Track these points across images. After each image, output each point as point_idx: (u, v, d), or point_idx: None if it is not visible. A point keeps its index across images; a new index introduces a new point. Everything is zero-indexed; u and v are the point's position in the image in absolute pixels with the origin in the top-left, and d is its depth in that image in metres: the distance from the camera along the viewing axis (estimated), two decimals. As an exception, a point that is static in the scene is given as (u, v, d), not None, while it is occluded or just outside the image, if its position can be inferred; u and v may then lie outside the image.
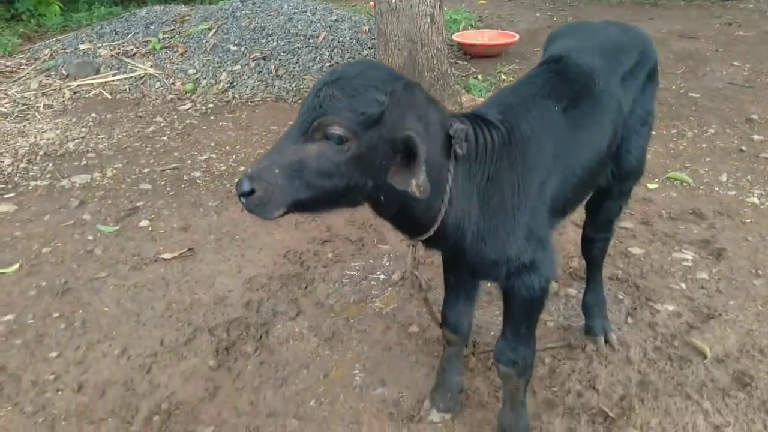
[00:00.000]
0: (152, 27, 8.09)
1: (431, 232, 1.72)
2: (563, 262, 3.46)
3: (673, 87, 6.45)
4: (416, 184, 1.46)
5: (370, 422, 2.40)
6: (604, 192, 2.45)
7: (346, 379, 2.62)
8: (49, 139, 5.33)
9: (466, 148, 1.64)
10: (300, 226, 3.85)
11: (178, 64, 7.20)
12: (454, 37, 8.03)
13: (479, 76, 7.01)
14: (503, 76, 7.06)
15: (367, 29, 7.69)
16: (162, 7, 8.81)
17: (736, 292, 3.13)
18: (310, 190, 1.51)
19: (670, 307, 3.04)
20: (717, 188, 4.22)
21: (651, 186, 4.29)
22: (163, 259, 3.50)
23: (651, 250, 3.55)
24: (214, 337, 2.89)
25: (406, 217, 1.71)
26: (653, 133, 4.59)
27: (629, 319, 2.98)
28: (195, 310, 3.07)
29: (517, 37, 7.94)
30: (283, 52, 7.13)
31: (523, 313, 2.00)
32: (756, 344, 2.76)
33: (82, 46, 7.79)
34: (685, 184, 4.31)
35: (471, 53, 7.95)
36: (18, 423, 2.40)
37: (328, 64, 7.01)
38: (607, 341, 2.79)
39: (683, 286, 3.20)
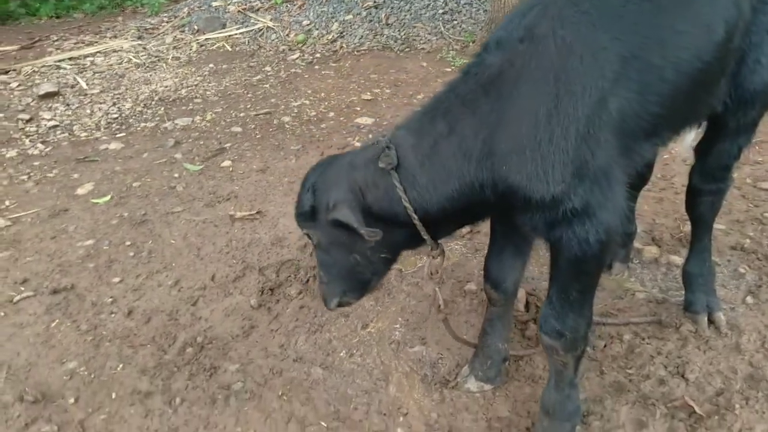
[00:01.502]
0: (278, -18, 8.23)
1: (423, 233, 1.63)
2: (673, 225, 2.84)
3: None
4: (367, 236, 1.55)
5: (399, 381, 2.15)
6: (718, 123, 1.85)
7: (385, 332, 2.38)
8: (167, 87, 5.65)
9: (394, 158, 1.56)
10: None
11: (295, 16, 7.26)
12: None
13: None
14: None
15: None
16: (289, -37, 8.93)
17: None
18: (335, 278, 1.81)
19: (813, 289, 2.34)
20: None
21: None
22: (235, 197, 3.50)
23: (798, 217, 2.78)
24: (264, 276, 2.80)
25: (398, 244, 1.73)
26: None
27: (749, 299, 2.35)
28: (252, 249, 3.01)
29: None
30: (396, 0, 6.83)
31: (573, 272, 1.54)
32: None
33: (214, 3, 8.17)
34: None
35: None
36: (71, 338, 2.51)
37: (441, 11, 6.59)
38: (711, 321, 2.22)
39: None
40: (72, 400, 2.19)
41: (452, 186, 1.53)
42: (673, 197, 3.03)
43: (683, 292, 2.31)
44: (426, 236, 1.63)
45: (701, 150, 2.00)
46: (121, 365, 2.35)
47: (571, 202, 1.41)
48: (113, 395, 2.21)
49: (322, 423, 2.01)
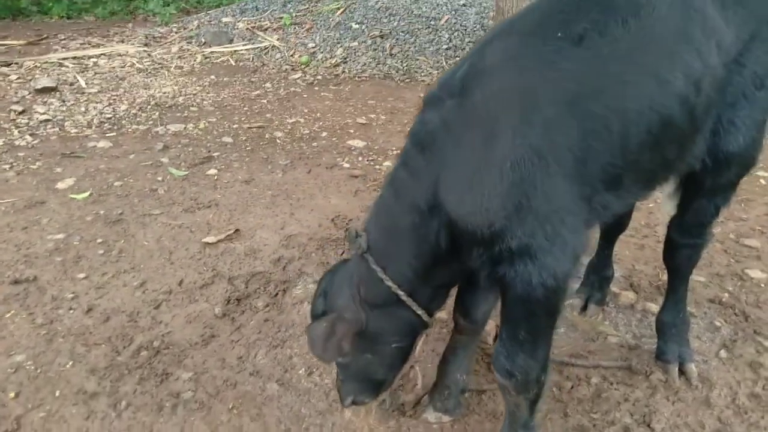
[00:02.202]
0: (289, 5, 8.38)
1: (410, 304, 1.64)
2: (652, 273, 2.80)
3: None
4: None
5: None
6: (695, 182, 1.81)
7: (348, 353, 2.30)
8: (165, 93, 5.65)
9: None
10: (359, 194, 3.59)
11: (301, 38, 7.35)
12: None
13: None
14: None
15: (493, 14, 7.22)
16: (302, -12, 9.12)
17: None
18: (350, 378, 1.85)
19: (788, 349, 2.29)
20: None
21: (800, 201, 3.38)
22: (216, 205, 3.45)
23: (778, 276, 2.75)
24: (232, 286, 2.73)
25: (404, 328, 1.72)
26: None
27: (723, 353, 2.29)
28: (224, 257, 2.95)
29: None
30: (402, 32, 6.94)
31: (520, 313, 1.51)
32: None
33: (224, 19, 8.29)
34: None
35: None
36: (24, 331, 2.42)
37: (445, 47, 6.69)
38: (682, 372, 2.15)
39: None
40: (12, 395, 2.09)
41: (418, 247, 1.55)
42: (654, 245, 3.00)
43: (656, 340, 2.25)
44: (413, 305, 1.63)
45: (680, 205, 1.96)
46: (70, 363, 2.26)
47: (510, 242, 1.39)
48: (57, 393, 2.11)
49: (270, 441, 1.92)
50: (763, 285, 2.71)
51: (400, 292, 1.60)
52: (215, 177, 3.83)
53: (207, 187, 3.70)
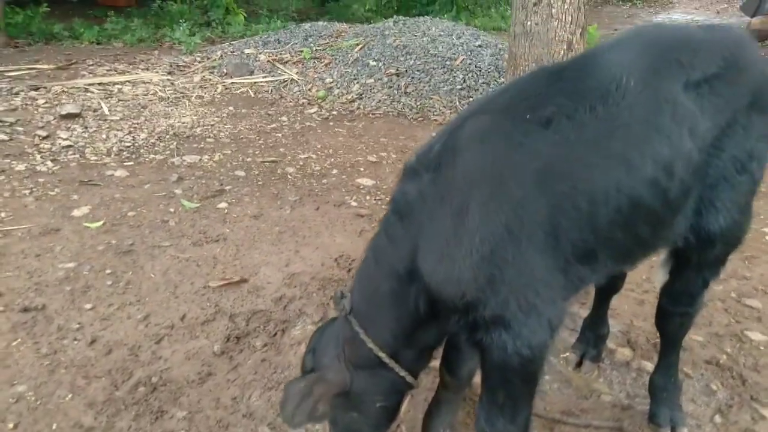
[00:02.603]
0: (310, 39, 8.60)
1: (392, 365, 1.67)
2: (651, 330, 2.80)
3: None
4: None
5: (344, 454, 2.08)
6: (682, 257, 1.86)
7: (340, 399, 2.32)
8: (184, 123, 5.81)
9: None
10: (364, 234, 3.65)
11: (320, 72, 7.53)
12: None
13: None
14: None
15: (507, 57, 7.35)
16: (324, 23, 9.39)
17: None
18: None
19: (785, 418, 2.26)
20: None
21: (806, 262, 3.37)
22: (224, 239, 3.53)
23: (779, 339, 2.73)
24: (233, 323, 2.78)
25: (387, 389, 1.73)
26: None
27: (717, 418, 2.27)
28: (227, 294, 3.01)
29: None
30: (417, 70, 7.08)
31: (498, 378, 1.55)
32: None
33: (246, 51, 8.53)
34: None
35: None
36: (28, 360, 2.49)
37: (459, 87, 6.80)
38: (674, 437, 2.14)
39: (814, 390, 2.39)
40: (11, 425, 2.15)
41: (398, 311, 1.60)
42: (654, 300, 2.96)
43: (650, 401, 2.25)
44: (396, 367, 1.67)
45: (671, 274, 1.98)
46: (70, 395, 2.31)
47: (484, 311, 1.44)
48: (54, 426, 2.17)
49: (257, 487, 1.94)
50: (762, 348, 2.69)
51: (382, 354, 1.64)
52: (225, 211, 3.92)
53: (217, 221, 3.79)
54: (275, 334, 2.73)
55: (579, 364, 2.53)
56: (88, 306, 2.87)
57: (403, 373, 1.67)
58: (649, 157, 1.47)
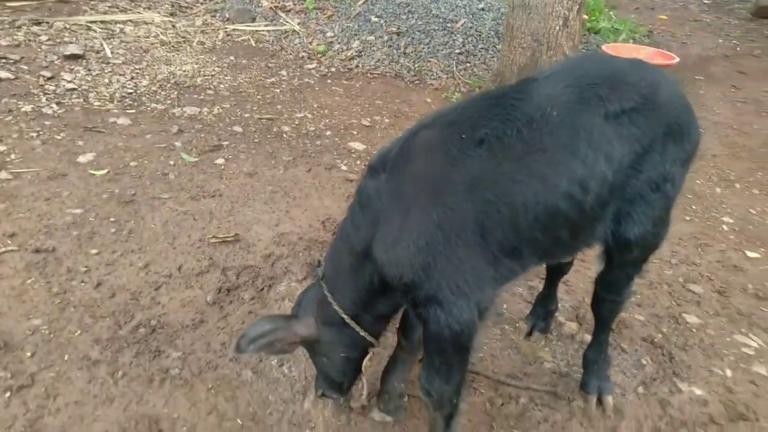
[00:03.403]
0: (314, -13, 8.54)
1: (354, 326, 2.03)
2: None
3: None
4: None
5: (315, 398, 2.42)
6: (607, 255, 2.14)
7: (316, 351, 2.66)
8: (185, 71, 5.94)
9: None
10: (351, 199, 3.89)
11: (321, 25, 7.57)
12: (603, 47, 7.39)
13: (615, 94, 6.43)
14: (643, 99, 6.40)
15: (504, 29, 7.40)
16: (329, -29, 9.27)
17: (792, 401, 2.61)
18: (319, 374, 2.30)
19: (698, 392, 2.62)
20: (837, 278, 3.50)
21: (750, 254, 3.67)
22: (220, 195, 3.79)
23: (710, 323, 3.06)
24: (224, 276, 3.08)
25: (351, 343, 2.09)
26: None
27: (641, 389, 2.63)
28: (221, 248, 3.30)
29: (676, 60, 7.09)
30: (418, 31, 7.14)
31: (434, 347, 1.86)
32: (783, 466, 2.30)
33: (250, -5, 8.49)
34: (796, 262, 3.63)
35: (619, 68, 7.29)
36: (42, 297, 2.79)
37: (457, 51, 6.89)
38: (600, 403, 2.50)
39: (728, 373, 2.74)
40: (29, 354, 2.47)
41: (357, 282, 1.94)
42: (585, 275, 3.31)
43: (584, 371, 2.59)
44: (356, 327, 2.02)
45: (603, 267, 2.25)
46: (79, 331, 2.63)
47: (421, 292, 1.77)
48: (66, 357, 2.49)
49: (239, 420, 2.29)
50: (694, 330, 3.03)
51: (345, 316, 1.99)
52: (222, 167, 4.16)
53: (213, 176, 4.03)
54: (262, 288, 3.03)
55: (529, 334, 2.86)
56: (94, 251, 3.15)
57: (362, 333, 2.03)
58: (564, 175, 1.73)
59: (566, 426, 2.41)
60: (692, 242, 3.81)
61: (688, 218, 4.07)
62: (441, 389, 1.91)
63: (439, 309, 1.75)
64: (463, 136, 1.74)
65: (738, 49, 8.73)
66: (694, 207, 4.22)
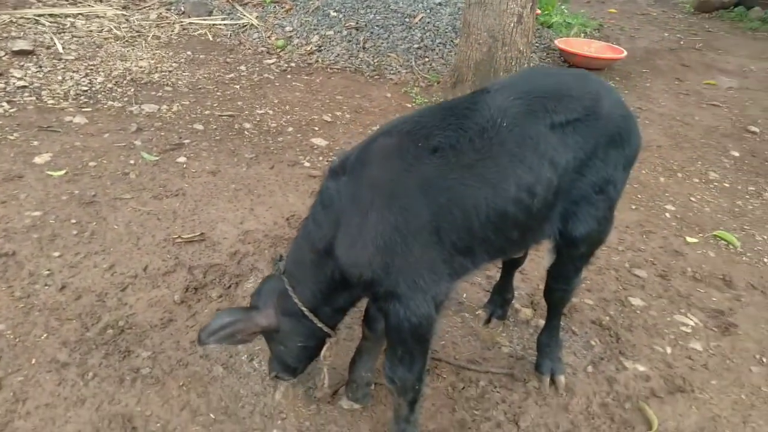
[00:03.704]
0: (271, -20, 8.48)
1: (311, 318, 2.13)
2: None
3: (778, 140, 5.77)
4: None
5: (285, 390, 2.52)
6: (558, 250, 2.29)
7: (285, 345, 2.74)
8: (141, 68, 5.86)
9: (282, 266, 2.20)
10: (314, 195, 3.98)
11: (280, 19, 7.55)
12: (556, 41, 7.67)
13: (567, 87, 6.68)
14: (593, 92, 6.67)
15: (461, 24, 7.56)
16: (286, -36, 9.21)
17: (725, 373, 2.86)
18: (273, 358, 2.39)
19: (641, 368, 2.84)
20: (766, 260, 3.80)
21: (690, 240, 3.94)
22: (183, 194, 3.80)
23: (653, 305, 3.30)
24: (191, 275, 3.12)
25: (307, 334, 2.20)
26: (725, 185, 4.21)
27: (590, 368, 2.82)
28: (186, 248, 3.33)
29: (625, 54, 7.43)
30: (377, 26, 7.22)
31: (395, 338, 1.98)
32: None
33: (206, -12, 8.37)
34: (730, 246, 3.92)
35: (570, 62, 7.56)
36: (4, 302, 2.78)
37: (416, 46, 7.01)
38: (553, 382, 2.68)
39: (668, 350, 2.97)
40: (-5, 360, 2.47)
41: (317, 277, 2.06)
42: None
43: (538, 354, 2.77)
44: (314, 319, 2.13)
45: (554, 259, 2.39)
46: (45, 335, 2.64)
47: (380, 288, 1.90)
48: (33, 361, 2.50)
49: (212, 415, 2.36)
50: (639, 312, 3.25)
51: (304, 308, 2.11)
52: (184, 165, 4.17)
53: (176, 175, 4.04)
54: (229, 286, 3.09)
55: (487, 321, 3.03)
56: (56, 254, 3.14)
57: (320, 324, 2.15)
58: (513, 181, 1.87)
59: (523, 405, 2.58)
60: (638, 229, 4.06)
61: (634, 207, 4.32)
62: (404, 377, 2.03)
63: (398, 303, 1.87)
64: (420, 144, 1.86)
65: (681, 42, 9.16)
66: (639, 196, 4.48)
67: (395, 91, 6.18)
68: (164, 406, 2.38)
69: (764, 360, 2.96)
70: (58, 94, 4.99)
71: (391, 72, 6.63)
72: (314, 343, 2.26)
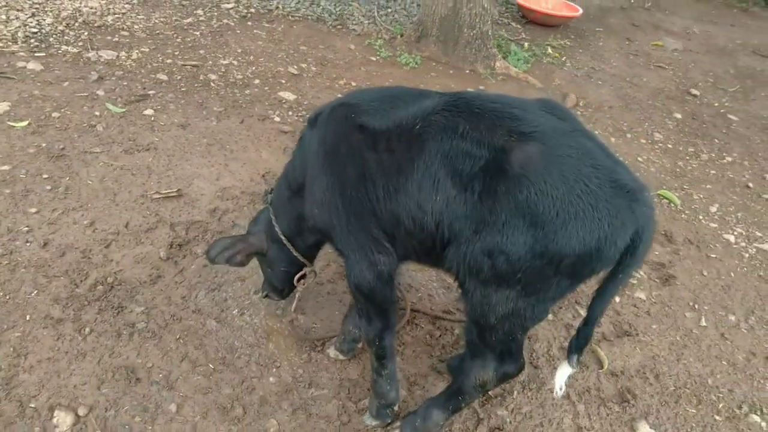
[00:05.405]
0: None
1: (289, 247, 2.40)
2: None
3: (716, 104, 6.22)
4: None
5: (278, 341, 2.69)
6: None
7: (272, 300, 2.89)
8: (92, 8, 5.55)
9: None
10: (288, 152, 4.04)
11: (236, -40, 7.22)
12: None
13: (525, 44, 6.85)
14: (550, 50, 6.89)
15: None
16: None
17: (664, 319, 3.25)
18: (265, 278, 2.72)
19: (594, 316, 3.18)
20: (701, 217, 4.22)
21: (636, 198, 4.30)
22: (155, 148, 3.78)
23: (604, 259, 3.64)
24: (174, 232, 3.18)
25: (288, 260, 2.49)
26: (669, 146, 4.54)
27: (550, 316, 3.14)
28: (165, 204, 3.36)
29: (580, 12, 7.64)
30: (339, -28, 7.06)
31: (353, 294, 2.17)
32: (655, 369, 2.91)
33: None
34: (672, 204, 4.31)
35: (528, 18, 7.71)
36: (-14, 260, 2.77)
37: (378, -5, 6.93)
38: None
39: (616, 299, 3.33)
40: (-12, 317, 2.50)
41: (291, 212, 2.33)
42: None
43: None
44: (291, 249, 2.39)
45: None
46: (35, 292, 2.68)
47: (333, 243, 2.17)
48: (27, 317, 2.55)
49: (211, 365, 2.52)
50: (592, 265, 3.58)
51: (283, 237, 2.39)
52: (152, 118, 4.10)
53: (144, 128, 3.98)
54: (213, 242, 3.17)
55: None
56: (33, 210, 3.11)
57: (295, 253, 2.41)
58: (425, 208, 1.81)
59: (492, 350, 2.86)
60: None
61: (587, 166, 4.63)
62: (366, 330, 2.21)
63: (348, 263, 2.08)
64: (363, 118, 1.90)
65: (632, 1, 9.45)
66: (592, 155, 4.79)
67: (358, 43, 6.16)
68: (164, 358, 2.51)
69: (696, 306, 3.37)
70: (5, 36, 4.70)
71: (354, 22, 6.57)
72: (294, 269, 2.51)
